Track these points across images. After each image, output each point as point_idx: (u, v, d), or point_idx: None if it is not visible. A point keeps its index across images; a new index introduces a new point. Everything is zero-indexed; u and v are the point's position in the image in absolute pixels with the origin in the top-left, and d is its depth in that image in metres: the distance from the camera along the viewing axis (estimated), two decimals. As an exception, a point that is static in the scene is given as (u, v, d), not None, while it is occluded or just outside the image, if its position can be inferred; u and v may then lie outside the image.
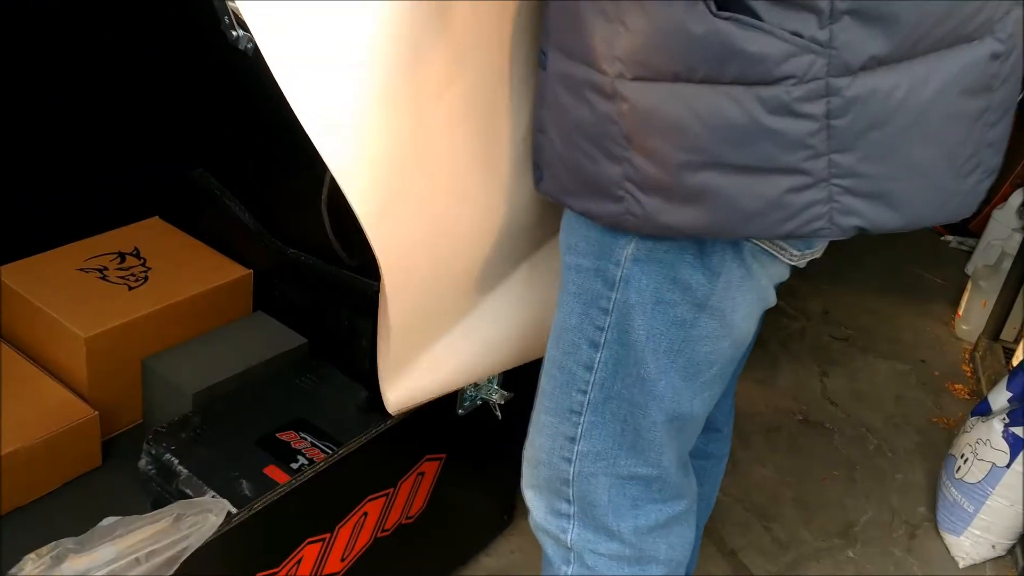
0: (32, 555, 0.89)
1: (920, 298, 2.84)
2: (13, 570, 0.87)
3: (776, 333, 2.56)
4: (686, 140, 0.89)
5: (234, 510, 1.01)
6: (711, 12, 0.84)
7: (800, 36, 0.84)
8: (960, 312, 2.74)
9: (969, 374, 2.53)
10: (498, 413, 1.46)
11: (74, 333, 1.59)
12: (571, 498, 1.14)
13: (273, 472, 1.52)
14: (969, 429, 1.95)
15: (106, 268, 1.74)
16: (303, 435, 1.62)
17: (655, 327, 1.04)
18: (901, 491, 2.09)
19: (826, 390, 2.39)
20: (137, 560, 0.90)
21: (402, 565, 1.50)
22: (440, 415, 1.41)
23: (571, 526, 1.16)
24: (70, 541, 0.90)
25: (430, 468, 1.43)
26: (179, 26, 1.72)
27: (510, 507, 1.76)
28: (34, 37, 1.63)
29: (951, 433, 2.26)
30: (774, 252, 1.02)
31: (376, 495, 1.33)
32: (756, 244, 1.00)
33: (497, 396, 1.46)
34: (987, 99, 0.90)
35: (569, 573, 1.18)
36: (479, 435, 1.51)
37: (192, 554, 1.04)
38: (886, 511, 2.02)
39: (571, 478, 1.13)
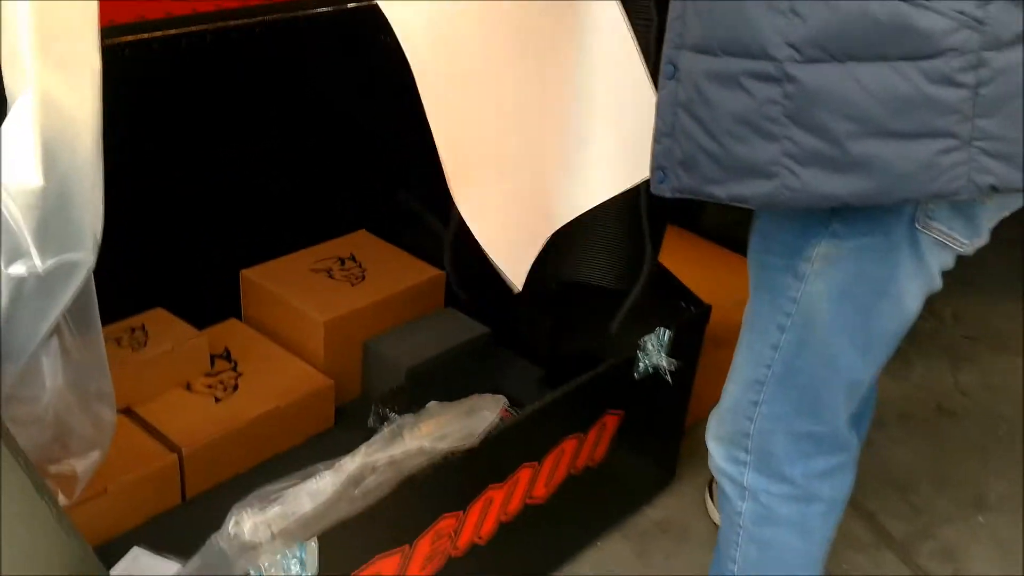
0: (384, 426, 1.20)
1: (1044, 302, 2.98)
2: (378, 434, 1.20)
3: (908, 334, 2.75)
4: (854, 112, 1.02)
5: (507, 403, 1.32)
6: None
7: (962, 14, 0.98)
8: (1085, 315, 2.88)
9: (1095, 371, 2.67)
10: (668, 378, 1.74)
11: (314, 318, 1.94)
12: (749, 448, 1.35)
13: (477, 429, 1.84)
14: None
15: (331, 269, 2.10)
16: (498, 402, 1.93)
17: (839, 313, 1.22)
18: (1031, 470, 2.25)
19: (958, 384, 2.57)
20: (444, 436, 1.22)
21: (586, 504, 1.79)
22: (620, 377, 1.69)
23: (747, 471, 1.37)
24: (408, 418, 1.22)
25: (611, 421, 1.71)
26: (384, 76, 2.09)
27: (672, 468, 2.02)
28: (279, 96, 2.02)
29: (1080, 421, 2.41)
30: (946, 242, 1.19)
31: (572, 436, 1.62)
32: (931, 236, 1.17)
33: (667, 363, 1.73)
34: None
35: (744, 508, 1.39)
36: (652, 398, 1.78)
37: (447, 462, 1.36)
38: (1016, 486, 2.19)
39: (751, 433, 1.34)
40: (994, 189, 1.05)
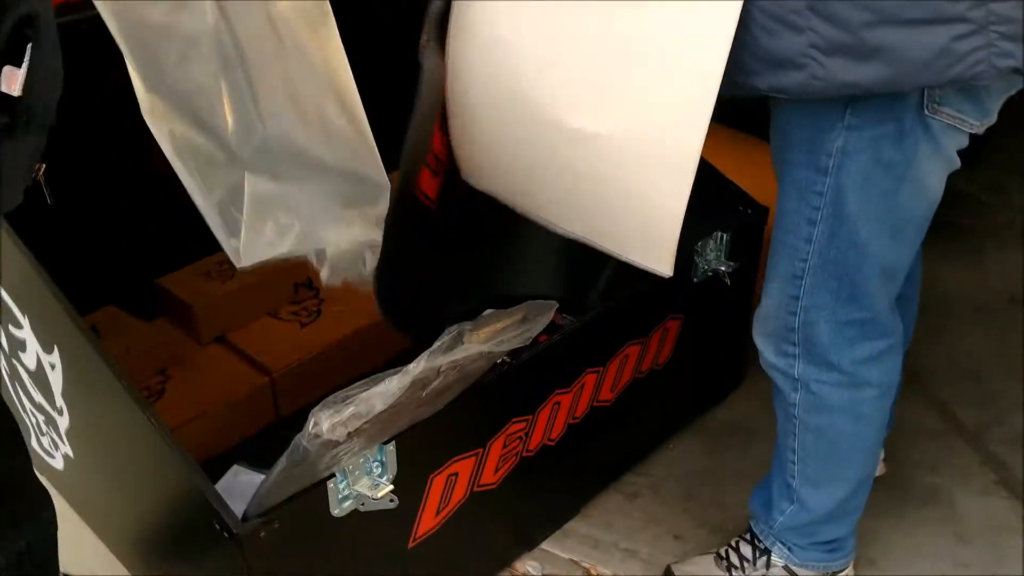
0: (451, 327, 1.29)
1: None
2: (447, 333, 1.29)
3: (983, 222, 2.74)
4: (868, 1, 1.07)
5: (557, 305, 1.41)
6: None
7: None
8: None
9: None
10: (727, 280, 1.79)
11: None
12: (796, 341, 1.41)
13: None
14: None
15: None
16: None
17: (864, 201, 1.28)
18: (1107, 355, 2.25)
19: (1034, 273, 2.56)
20: (501, 340, 1.32)
21: (655, 406, 1.87)
22: (679, 282, 1.74)
23: (797, 362, 1.43)
24: (466, 325, 1.31)
25: (673, 325, 1.78)
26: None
27: (741, 370, 2.09)
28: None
29: None
30: (956, 125, 1.24)
31: (634, 341, 1.69)
32: (942, 121, 1.22)
33: (725, 267, 1.78)
34: None
35: (798, 399, 1.46)
36: (712, 301, 1.84)
37: (514, 366, 1.46)
38: (1089, 371, 2.20)
39: (796, 327, 1.40)
40: (1016, 72, 1.09)
